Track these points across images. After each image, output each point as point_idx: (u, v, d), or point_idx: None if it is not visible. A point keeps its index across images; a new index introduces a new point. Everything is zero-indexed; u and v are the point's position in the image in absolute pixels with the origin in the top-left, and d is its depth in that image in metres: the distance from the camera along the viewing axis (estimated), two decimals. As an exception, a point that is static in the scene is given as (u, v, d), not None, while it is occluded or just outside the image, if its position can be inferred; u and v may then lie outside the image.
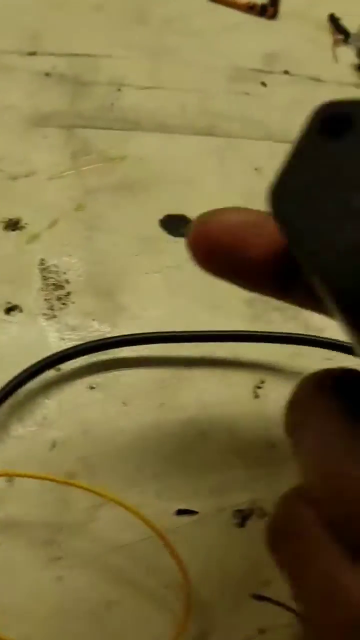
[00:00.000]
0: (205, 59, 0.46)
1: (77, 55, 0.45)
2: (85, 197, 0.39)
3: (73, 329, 0.34)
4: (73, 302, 0.34)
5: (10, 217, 0.37)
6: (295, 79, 0.46)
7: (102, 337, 0.33)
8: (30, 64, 0.44)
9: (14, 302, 0.34)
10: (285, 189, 0.16)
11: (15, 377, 0.30)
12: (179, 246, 0.36)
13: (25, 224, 0.37)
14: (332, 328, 0.23)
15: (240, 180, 0.40)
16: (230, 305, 0.35)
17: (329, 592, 0.18)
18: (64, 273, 0.35)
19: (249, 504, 0.30)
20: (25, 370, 0.30)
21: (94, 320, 0.34)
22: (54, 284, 0.35)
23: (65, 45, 0.45)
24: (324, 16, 0.50)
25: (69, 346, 0.32)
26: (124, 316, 0.35)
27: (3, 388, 0.30)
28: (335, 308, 0.15)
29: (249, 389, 0.33)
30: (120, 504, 0.26)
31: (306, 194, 0.16)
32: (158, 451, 0.31)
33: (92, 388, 0.32)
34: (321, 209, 0.16)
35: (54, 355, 0.31)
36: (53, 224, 0.37)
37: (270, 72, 0.46)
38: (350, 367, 0.19)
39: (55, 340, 0.33)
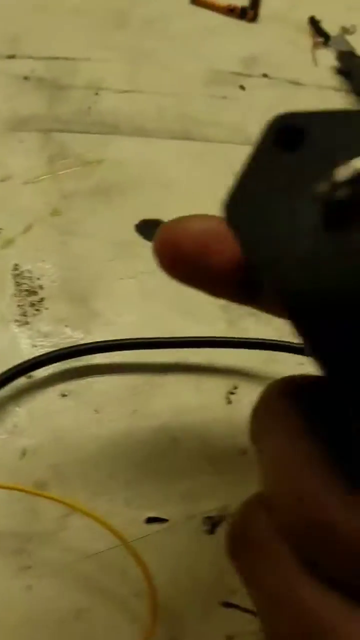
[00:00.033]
0: (184, 62, 0.46)
1: (56, 58, 0.45)
2: (61, 201, 0.39)
3: (46, 335, 0.34)
4: (46, 308, 0.34)
5: (-15, 222, 0.37)
6: (274, 82, 0.46)
7: (74, 344, 0.33)
8: (8, 67, 0.44)
9: (-13, 308, 0.34)
10: (240, 199, 0.16)
11: (-15, 385, 0.30)
12: (153, 252, 0.36)
13: (0, 228, 0.37)
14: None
15: (217, 184, 0.40)
16: (205, 310, 0.35)
17: (284, 603, 0.18)
18: (38, 279, 0.35)
19: (219, 510, 0.30)
20: (-4, 378, 0.30)
21: (67, 326, 0.34)
22: (27, 290, 0.35)
23: (44, 49, 0.45)
24: (305, 19, 0.50)
25: (41, 353, 0.32)
26: (98, 322, 0.34)
27: (-27, 396, 0.30)
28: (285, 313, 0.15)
29: (222, 395, 0.33)
30: (88, 514, 0.26)
31: (259, 204, 0.16)
32: (129, 459, 0.31)
33: (64, 395, 0.32)
34: (273, 219, 0.16)
35: (25, 362, 0.31)
36: (28, 228, 0.37)
37: (249, 76, 0.46)
38: (311, 373, 0.19)
39: (28, 347, 0.33)
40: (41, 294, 0.35)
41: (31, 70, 0.44)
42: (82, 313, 0.35)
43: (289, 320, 0.15)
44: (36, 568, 0.28)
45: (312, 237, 0.15)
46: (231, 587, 0.28)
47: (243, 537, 0.20)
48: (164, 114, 0.43)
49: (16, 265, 0.35)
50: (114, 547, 0.28)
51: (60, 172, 0.40)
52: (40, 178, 0.39)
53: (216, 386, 0.33)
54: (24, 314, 0.34)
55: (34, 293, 0.35)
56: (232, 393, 0.33)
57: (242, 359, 0.34)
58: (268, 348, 0.34)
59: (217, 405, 0.33)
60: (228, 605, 0.28)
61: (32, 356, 0.31)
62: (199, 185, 0.40)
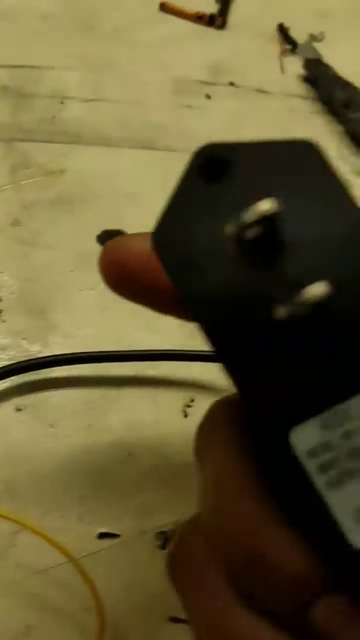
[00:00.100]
0: (150, 70, 0.46)
1: (20, 66, 0.45)
2: (22, 212, 0.39)
3: (2, 348, 0.33)
4: (4, 321, 0.34)
5: None
6: (240, 90, 0.46)
7: (31, 357, 0.33)
8: (-27, 74, 0.44)
9: None
10: (165, 227, 0.17)
11: None
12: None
13: None
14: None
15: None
16: (165, 323, 0.35)
17: (216, 632, 0.18)
18: (-4, 291, 0.35)
19: (172, 525, 0.30)
20: None
21: (24, 339, 0.34)
22: (-16, 303, 0.35)
23: (9, 57, 0.45)
24: (273, 26, 0.50)
25: (-4, 367, 0.32)
26: (56, 335, 0.34)
27: None
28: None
29: (178, 408, 0.33)
30: (36, 532, 0.26)
31: (184, 234, 0.16)
32: (83, 474, 0.31)
33: (19, 410, 0.32)
34: (195, 249, 0.16)
35: (-20, 376, 0.31)
36: (-13, 240, 0.37)
37: (216, 84, 0.46)
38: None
39: (-17, 361, 0.33)
40: (-1, 306, 0.35)
41: (-4, 78, 0.44)
42: (40, 326, 0.35)
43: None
44: (-14, 585, 0.28)
45: (227, 267, 0.15)
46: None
47: (180, 560, 0.20)
48: (129, 124, 0.43)
49: (-26, 277, 0.35)
50: (64, 564, 0.28)
51: (22, 182, 0.40)
52: (2, 188, 0.39)
53: (173, 399, 0.33)
54: (-19, 327, 0.34)
55: (-8, 306, 0.35)
56: (188, 406, 0.33)
57: (199, 372, 0.34)
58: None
59: (174, 419, 0.33)
60: (176, 620, 0.28)
61: (-13, 370, 0.31)
62: (162, 195, 0.40)
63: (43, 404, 0.32)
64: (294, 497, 0.15)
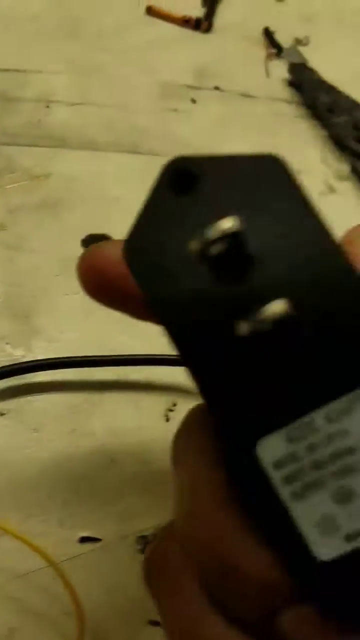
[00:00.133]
0: (136, 74, 0.46)
1: (6, 70, 0.45)
2: (7, 216, 0.39)
3: (-14, 353, 0.34)
4: (-12, 326, 0.35)
5: None
6: (225, 95, 0.46)
7: (15, 362, 0.33)
8: None
9: None
10: (136, 238, 0.17)
11: None
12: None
13: None
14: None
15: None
16: (147, 328, 0.35)
17: (187, 637, 0.18)
18: (-20, 296, 0.35)
19: (153, 530, 0.30)
20: None
21: (7, 344, 0.34)
22: (-32, 308, 0.35)
23: (-5, 60, 0.45)
24: (259, 30, 0.50)
25: (-21, 372, 0.32)
26: (40, 339, 0.35)
27: None
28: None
29: (160, 413, 0.33)
30: (16, 536, 0.26)
31: (154, 244, 0.17)
32: (66, 478, 0.31)
33: (2, 414, 0.32)
34: (164, 258, 0.16)
35: None
36: (-28, 245, 0.37)
37: (201, 88, 0.46)
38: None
39: (-34, 366, 0.33)
40: (-17, 311, 0.35)
41: (-18, 81, 0.44)
42: (24, 330, 0.35)
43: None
44: (-32, 589, 0.28)
45: (194, 279, 0.16)
46: (161, 606, 0.28)
47: (156, 565, 0.20)
48: (114, 128, 0.43)
49: None
50: (44, 568, 0.28)
51: (7, 187, 0.40)
52: (-13, 192, 0.39)
53: (155, 403, 0.33)
54: (-36, 332, 0.34)
55: (-25, 311, 0.35)
56: (170, 410, 0.33)
57: (182, 376, 0.34)
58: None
59: (156, 423, 0.33)
60: (155, 623, 0.28)
61: (-30, 375, 0.32)
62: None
63: (26, 408, 0.33)
64: (262, 507, 0.15)
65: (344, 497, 0.15)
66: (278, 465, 0.15)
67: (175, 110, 0.44)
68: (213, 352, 0.15)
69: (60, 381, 0.34)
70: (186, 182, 0.17)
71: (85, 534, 0.30)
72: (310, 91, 0.45)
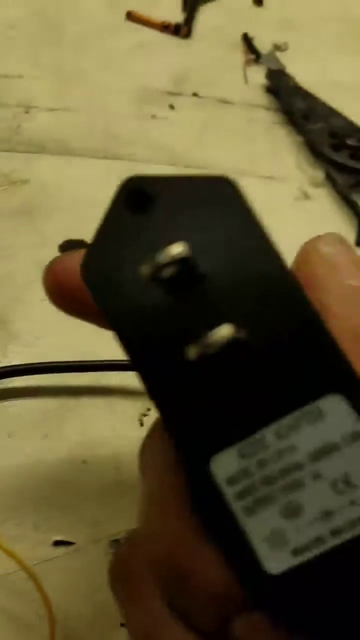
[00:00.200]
0: (116, 80, 0.46)
1: (-14, 75, 0.45)
2: (-15, 222, 0.39)
3: None
4: (-36, 332, 0.35)
5: None
6: (203, 101, 0.46)
7: (-10, 368, 0.33)
8: None
9: None
10: (93, 255, 0.17)
11: None
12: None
13: None
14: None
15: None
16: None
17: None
18: None
19: (125, 534, 0.31)
20: None
21: (-17, 350, 0.35)
22: None
23: (-25, 64, 0.45)
24: (238, 36, 0.51)
25: None
26: (16, 344, 0.35)
27: None
28: None
29: (134, 417, 0.34)
30: (-11, 541, 0.27)
31: (110, 261, 0.17)
32: (40, 483, 0.31)
33: (-23, 420, 0.33)
34: (119, 277, 0.17)
35: None
36: None
37: (179, 94, 0.46)
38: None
39: None
40: None
41: None
42: (0, 335, 0.35)
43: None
44: None
45: (148, 298, 0.16)
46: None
47: (119, 572, 0.21)
48: (92, 133, 0.44)
49: None
50: (18, 571, 0.28)
51: (-15, 192, 0.40)
52: (-35, 198, 0.40)
53: (129, 408, 0.34)
54: None
55: None
56: (145, 415, 0.34)
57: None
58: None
59: (130, 428, 0.33)
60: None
61: None
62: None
63: (2, 413, 0.33)
64: (216, 521, 0.16)
65: (292, 512, 0.15)
66: (231, 481, 0.16)
67: (154, 116, 0.45)
68: (164, 371, 0.16)
69: (35, 386, 0.34)
70: (141, 201, 0.17)
71: (59, 537, 0.30)
72: (286, 97, 0.46)
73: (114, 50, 0.48)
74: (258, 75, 0.48)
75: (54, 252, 0.39)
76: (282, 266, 0.16)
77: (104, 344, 0.35)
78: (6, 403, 0.33)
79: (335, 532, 0.15)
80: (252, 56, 0.49)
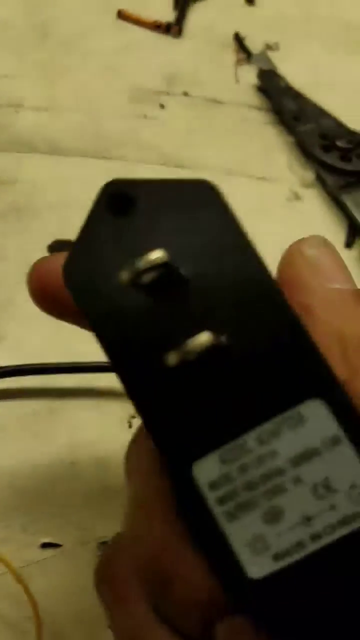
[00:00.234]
0: (106, 79, 0.46)
1: (-25, 74, 0.45)
2: (-27, 222, 0.39)
3: None
4: None
5: None
6: (194, 100, 0.46)
7: (-23, 369, 0.33)
8: None
9: None
10: (75, 258, 0.17)
11: None
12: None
13: None
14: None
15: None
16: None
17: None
18: None
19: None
20: None
21: (-29, 351, 0.34)
22: None
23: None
24: (230, 35, 0.50)
25: None
26: (3, 346, 0.35)
27: None
28: None
29: (123, 419, 0.34)
30: (-25, 543, 0.27)
31: (91, 264, 0.17)
32: (28, 485, 0.31)
33: (-36, 421, 0.32)
34: (100, 280, 0.17)
35: None
36: None
37: (170, 94, 0.46)
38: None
39: None
40: None
41: None
42: (-12, 337, 0.35)
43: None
44: None
45: (129, 302, 0.16)
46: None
47: (105, 575, 0.21)
48: (82, 133, 0.43)
49: None
50: (5, 573, 0.28)
51: (-26, 192, 0.40)
52: None
53: (118, 410, 0.34)
54: None
55: None
56: (133, 417, 0.34)
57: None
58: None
59: (118, 430, 0.33)
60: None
61: None
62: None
63: (-11, 415, 0.33)
64: (199, 526, 0.16)
65: (273, 517, 0.15)
66: (213, 486, 0.16)
67: (145, 116, 0.45)
68: (144, 375, 0.16)
69: (23, 388, 0.34)
70: (123, 205, 0.17)
71: (46, 539, 0.30)
72: (277, 98, 0.46)
73: (104, 50, 0.48)
74: (249, 75, 0.48)
75: (43, 253, 0.38)
76: (262, 271, 0.16)
77: (93, 345, 0.36)
78: (-6, 404, 0.33)
79: (315, 537, 0.15)
80: (244, 56, 0.49)
